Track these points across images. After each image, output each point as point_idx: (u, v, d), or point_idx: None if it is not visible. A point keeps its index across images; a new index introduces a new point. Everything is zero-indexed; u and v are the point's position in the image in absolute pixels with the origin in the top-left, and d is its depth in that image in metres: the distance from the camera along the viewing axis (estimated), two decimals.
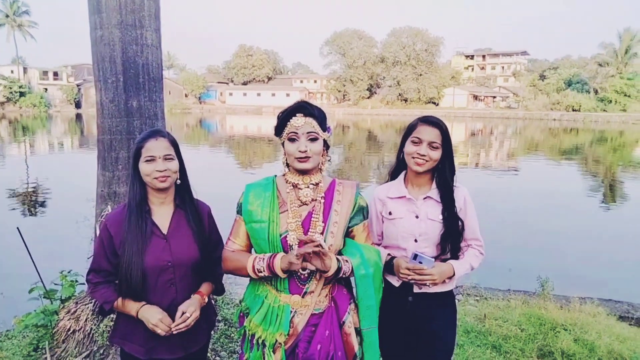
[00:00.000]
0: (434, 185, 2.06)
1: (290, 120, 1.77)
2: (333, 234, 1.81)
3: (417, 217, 2.02)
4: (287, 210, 1.81)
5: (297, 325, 1.78)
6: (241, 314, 1.92)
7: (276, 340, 1.75)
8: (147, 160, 1.81)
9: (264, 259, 1.75)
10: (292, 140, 1.77)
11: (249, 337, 1.83)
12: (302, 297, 1.80)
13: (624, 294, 5.17)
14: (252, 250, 1.89)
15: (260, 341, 1.78)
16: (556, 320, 3.83)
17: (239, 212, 1.88)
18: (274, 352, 1.77)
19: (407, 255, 2.00)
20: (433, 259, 1.92)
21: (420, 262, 1.89)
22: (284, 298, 1.80)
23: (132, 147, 1.86)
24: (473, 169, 16.86)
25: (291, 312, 1.78)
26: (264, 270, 1.73)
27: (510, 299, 4.53)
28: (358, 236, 1.91)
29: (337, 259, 1.75)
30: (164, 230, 1.89)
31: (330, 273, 1.71)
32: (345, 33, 68.79)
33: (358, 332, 1.90)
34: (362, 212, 1.91)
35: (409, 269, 1.90)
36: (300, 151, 1.74)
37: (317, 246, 1.62)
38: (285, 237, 1.78)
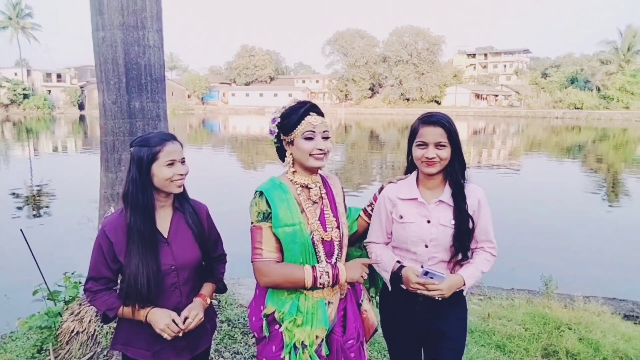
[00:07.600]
0: (447, 187, 1.96)
1: (306, 118, 1.77)
2: (345, 224, 1.93)
3: (428, 222, 1.94)
4: (303, 211, 1.82)
5: (330, 314, 1.84)
6: (270, 319, 1.82)
7: (316, 337, 1.77)
8: (168, 164, 1.80)
9: (328, 272, 1.76)
10: (308, 138, 1.77)
11: (287, 342, 1.77)
12: (332, 286, 1.84)
13: (628, 292, 5.16)
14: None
15: (300, 343, 1.75)
16: (560, 319, 3.82)
17: (266, 218, 1.76)
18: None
19: (416, 259, 1.96)
20: (444, 275, 1.83)
21: (432, 277, 1.84)
22: (317, 293, 1.81)
23: (142, 150, 1.82)
24: (475, 168, 16.81)
25: (325, 303, 1.82)
26: (328, 283, 1.76)
27: (514, 298, 4.52)
28: None
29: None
30: (165, 234, 1.88)
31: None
32: (347, 33, 68.76)
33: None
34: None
35: (419, 284, 1.85)
36: (318, 149, 1.76)
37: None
38: (312, 237, 1.79)
